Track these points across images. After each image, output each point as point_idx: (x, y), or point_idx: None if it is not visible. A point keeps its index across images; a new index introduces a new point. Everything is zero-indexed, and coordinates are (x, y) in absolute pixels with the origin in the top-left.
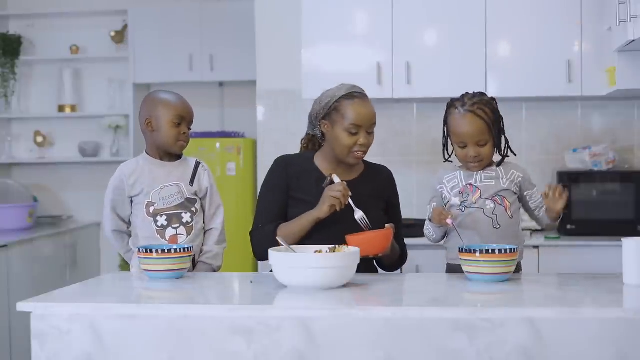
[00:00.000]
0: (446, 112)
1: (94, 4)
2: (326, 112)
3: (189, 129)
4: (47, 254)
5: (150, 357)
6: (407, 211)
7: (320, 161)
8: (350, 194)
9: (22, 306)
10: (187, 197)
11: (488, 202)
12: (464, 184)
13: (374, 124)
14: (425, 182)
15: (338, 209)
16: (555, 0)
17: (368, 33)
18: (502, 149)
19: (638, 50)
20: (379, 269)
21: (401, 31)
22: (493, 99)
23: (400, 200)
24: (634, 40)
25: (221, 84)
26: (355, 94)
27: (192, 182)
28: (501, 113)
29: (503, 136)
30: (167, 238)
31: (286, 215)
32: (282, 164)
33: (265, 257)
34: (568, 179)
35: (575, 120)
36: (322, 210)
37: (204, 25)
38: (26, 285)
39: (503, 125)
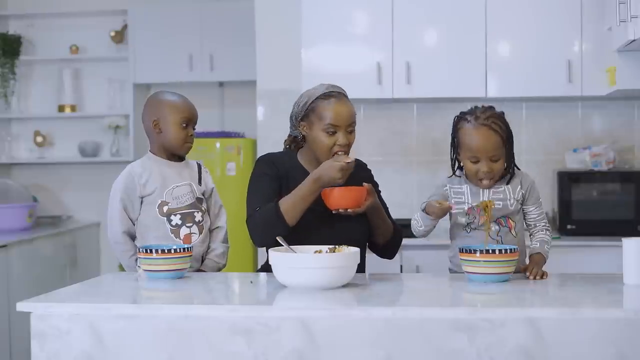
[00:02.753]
0: (455, 125)
1: (94, 4)
2: (304, 114)
3: (194, 129)
4: (47, 254)
5: (150, 357)
6: (407, 211)
7: (304, 160)
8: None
9: (21, 306)
10: (197, 197)
11: (493, 224)
12: (471, 203)
13: (353, 122)
14: (425, 182)
15: (342, 180)
16: (555, 0)
17: (368, 33)
18: (510, 165)
19: (638, 50)
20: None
21: (401, 31)
22: (503, 113)
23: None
24: (634, 40)
25: (221, 84)
26: (332, 94)
27: (199, 182)
28: None
29: (512, 151)
30: (182, 237)
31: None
32: (268, 161)
33: (268, 239)
34: (568, 179)
35: (576, 120)
36: (327, 183)
37: (204, 25)
38: (26, 285)
39: (513, 140)
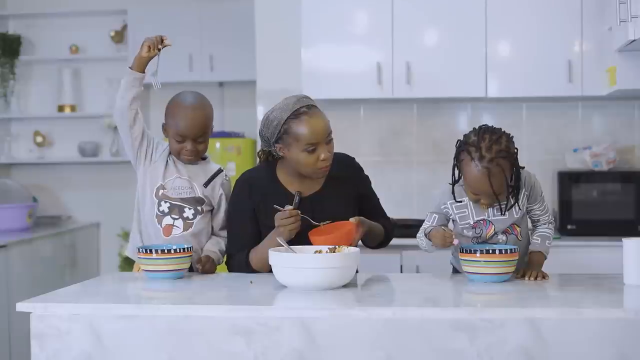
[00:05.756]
0: (458, 153)
1: (94, 4)
2: (277, 137)
3: (201, 141)
4: (47, 254)
5: (150, 357)
6: (407, 211)
7: (284, 175)
8: (299, 221)
9: (21, 306)
10: (198, 196)
11: (501, 236)
12: (476, 218)
13: (330, 132)
14: (425, 182)
15: (294, 235)
16: (555, 0)
17: (368, 33)
18: (516, 189)
19: (638, 50)
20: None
21: (401, 31)
22: (509, 138)
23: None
24: (634, 40)
25: (221, 84)
26: (302, 110)
27: (206, 184)
28: (501, 113)
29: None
30: (163, 226)
31: (259, 238)
32: (246, 189)
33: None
34: (568, 179)
35: (576, 120)
36: (284, 237)
37: (203, 25)
38: (26, 285)
39: (518, 167)
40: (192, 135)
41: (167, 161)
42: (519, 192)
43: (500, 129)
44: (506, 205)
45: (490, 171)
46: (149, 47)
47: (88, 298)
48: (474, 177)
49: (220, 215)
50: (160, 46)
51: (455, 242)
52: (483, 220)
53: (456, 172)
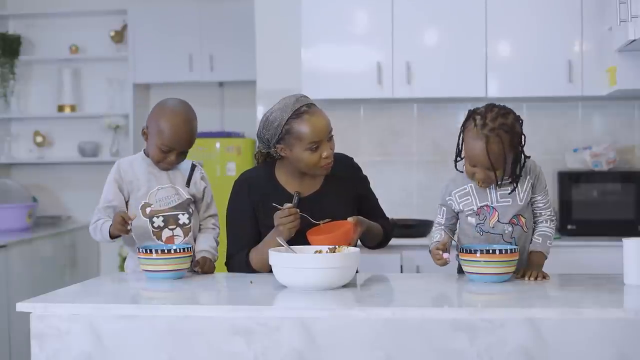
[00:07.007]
0: (465, 120)
1: (94, 3)
2: (279, 137)
3: (184, 152)
4: (47, 254)
5: (149, 358)
6: (407, 211)
7: (283, 175)
8: (298, 218)
9: (21, 306)
10: (185, 198)
11: (506, 226)
12: (479, 204)
13: (331, 129)
14: (425, 182)
15: (293, 233)
16: (555, 0)
17: (368, 33)
18: (517, 170)
19: (639, 50)
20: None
21: (401, 31)
22: (517, 118)
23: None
24: (634, 40)
25: (221, 84)
26: (302, 110)
27: (188, 183)
28: None
29: (520, 158)
30: (164, 239)
31: (259, 238)
32: (245, 189)
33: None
34: (568, 179)
35: (576, 120)
36: (284, 236)
37: (203, 25)
38: (26, 285)
39: (523, 145)
40: (179, 148)
41: (137, 177)
42: (518, 178)
43: (511, 109)
44: (501, 181)
45: (489, 139)
46: (122, 231)
47: (88, 298)
48: (473, 144)
49: (205, 202)
50: (128, 227)
51: (446, 256)
52: (486, 206)
53: (460, 141)
